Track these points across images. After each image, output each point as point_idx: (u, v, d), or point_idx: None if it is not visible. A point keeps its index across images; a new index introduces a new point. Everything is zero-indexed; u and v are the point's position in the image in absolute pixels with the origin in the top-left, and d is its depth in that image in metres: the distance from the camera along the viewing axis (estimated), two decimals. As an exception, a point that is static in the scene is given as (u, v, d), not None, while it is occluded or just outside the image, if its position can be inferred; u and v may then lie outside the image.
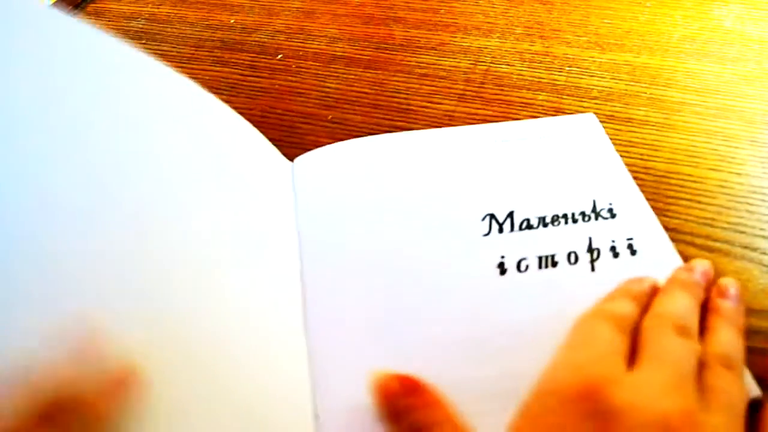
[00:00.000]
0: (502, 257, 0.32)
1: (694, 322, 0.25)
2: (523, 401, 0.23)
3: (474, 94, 0.44)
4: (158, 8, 0.55)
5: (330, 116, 0.43)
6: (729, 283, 0.28)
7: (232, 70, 0.47)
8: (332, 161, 0.38)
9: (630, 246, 0.32)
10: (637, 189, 0.35)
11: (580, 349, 0.24)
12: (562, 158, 0.38)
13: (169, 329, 0.23)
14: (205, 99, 0.33)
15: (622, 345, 0.23)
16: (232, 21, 0.53)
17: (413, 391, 0.25)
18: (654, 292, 0.27)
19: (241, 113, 0.43)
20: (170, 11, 0.54)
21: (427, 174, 0.37)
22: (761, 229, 0.34)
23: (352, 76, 0.46)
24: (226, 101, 0.44)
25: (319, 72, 0.47)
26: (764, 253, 0.32)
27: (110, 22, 0.53)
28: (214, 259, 0.27)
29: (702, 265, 0.28)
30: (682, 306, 0.25)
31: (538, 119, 0.41)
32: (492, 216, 0.34)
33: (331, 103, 0.44)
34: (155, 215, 0.25)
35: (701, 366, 0.23)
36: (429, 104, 0.43)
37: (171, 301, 0.24)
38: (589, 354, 0.23)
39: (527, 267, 0.31)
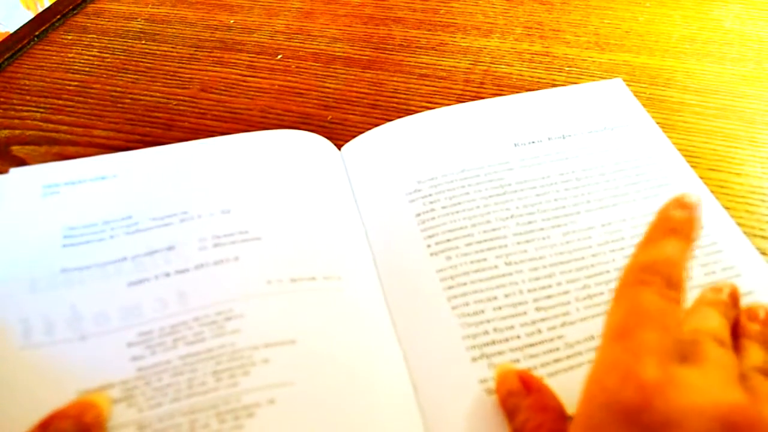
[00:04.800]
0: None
1: (729, 337, 0.24)
2: (577, 411, 0.21)
3: (473, 94, 0.44)
4: (157, 8, 0.55)
5: (330, 116, 0.43)
6: (759, 308, 0.27)
7: (232, 70, 0.47)
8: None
9: None
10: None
11: (625, 343, 0.21)
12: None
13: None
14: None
15: (668, 340, 0.21)
16: (231, 21, 0.53)
17: (531, 390, 0.25)
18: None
19: (240, 114, 0.43)
20: (169, 11, 0.54)
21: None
22: (761, 229, 0.34)
23: (352, 77, 0.46)
24: (226, 101, 0.44)
25: (319, 72, 0.47)
26: (764, 253, 0.32)
27: (109, 22, 0.53)
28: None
29: (728, 287, 0.28)
30: (714, 323, 0.25)
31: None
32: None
33: (330, 104, 0.44)
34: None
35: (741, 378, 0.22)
36: (428, 104, 0.43)
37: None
38: (636, 349, 0.21)
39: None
